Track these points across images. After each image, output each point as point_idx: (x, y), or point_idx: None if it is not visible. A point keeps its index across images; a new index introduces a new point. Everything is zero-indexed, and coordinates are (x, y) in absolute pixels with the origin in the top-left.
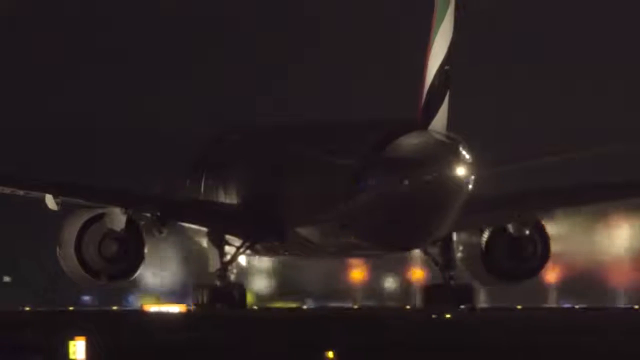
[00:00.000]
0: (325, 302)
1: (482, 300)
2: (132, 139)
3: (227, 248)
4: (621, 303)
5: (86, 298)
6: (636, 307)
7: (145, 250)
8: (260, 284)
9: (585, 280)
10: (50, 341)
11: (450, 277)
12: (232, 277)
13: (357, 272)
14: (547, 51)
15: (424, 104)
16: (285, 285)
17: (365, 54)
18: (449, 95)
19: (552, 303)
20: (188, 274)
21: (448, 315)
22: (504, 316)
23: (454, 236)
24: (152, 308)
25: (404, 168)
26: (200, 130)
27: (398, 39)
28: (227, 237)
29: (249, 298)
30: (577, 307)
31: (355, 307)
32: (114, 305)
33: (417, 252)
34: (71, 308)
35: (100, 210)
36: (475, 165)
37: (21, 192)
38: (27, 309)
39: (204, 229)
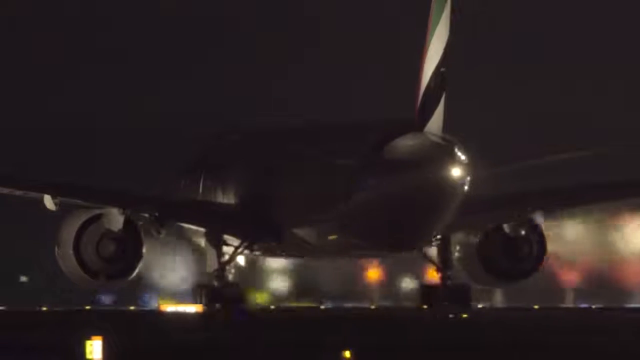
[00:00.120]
0: (342, 302)
1: (499, 301)
2: (132, 139)
3: (225, 248)
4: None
5: (103, 298)
6: None
7: (144, 250)
8: (277, 285)
9: (602, 281)
10: (67, 341)
11: (448, 277)
12: (231, 277)
13: (374, 273)
14: (547, 51)
15: (420, 106)
16: (301, 286)
17: (365, 54)
18: (445, 97)
19: (569, 303)
20: (203, 274)
21: (465, 315)
22: (520, 316)
23: (451, 236)
24: (169, 308)
25: (400, 169)
26: (200, 130)
27: (398, 39)
28: (225, 237)
29: (264, 298)
30: (593, 307)
31: (372, 307)
32: (131, 305)
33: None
34: (88, 308)
35: (98, 211)
36: (471, 167)
37: (19, 193)
38: (44, 308)
39: (203, 230)
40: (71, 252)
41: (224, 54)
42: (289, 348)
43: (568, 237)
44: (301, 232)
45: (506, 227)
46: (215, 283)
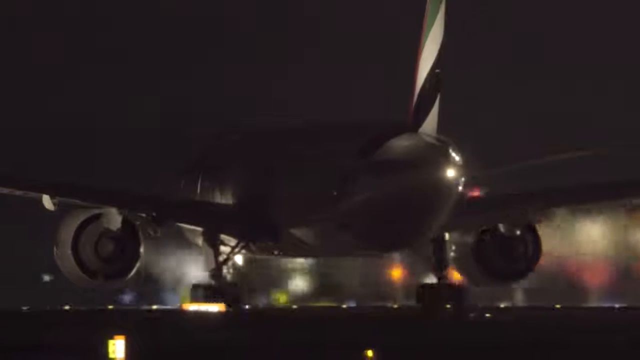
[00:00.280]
0: (364, 302)
1: (521, 300)
2: (132, 139)
3: (222, 248)
4: None
5: (125, 297)
6: None
7: (141, 250)
8: (298, 284)
9: (623, 280)
10: (90, 340)
11: (443, 277)
12: (229, 276)
13: (396, 272)
14: (547, 51)
15: (414, 107)
16: (323, 285)
17: (365, 54)
18: (440, 98)
19: (593, 303)
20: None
21: (488, 315)
22: (542, 315)
23: (447, 236)
24: (191, 307)
25: (395, 170)
26: (200, 130)
27: (398, 39)
28: (223, 237)
29: (284, 298)
30: (616, 306)
31: (395, 306)
32: (154, 305)
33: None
34: (110, 307)
35: (96, 211)
36: (465, 167)
37: (19, 193)
38: (67, 307)
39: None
40: (69, 252)
41: (224, 54)
42: (311, 348)
43: (592, 236)
44: (298, 232)
45: (501, 227)
46: (213, 282)
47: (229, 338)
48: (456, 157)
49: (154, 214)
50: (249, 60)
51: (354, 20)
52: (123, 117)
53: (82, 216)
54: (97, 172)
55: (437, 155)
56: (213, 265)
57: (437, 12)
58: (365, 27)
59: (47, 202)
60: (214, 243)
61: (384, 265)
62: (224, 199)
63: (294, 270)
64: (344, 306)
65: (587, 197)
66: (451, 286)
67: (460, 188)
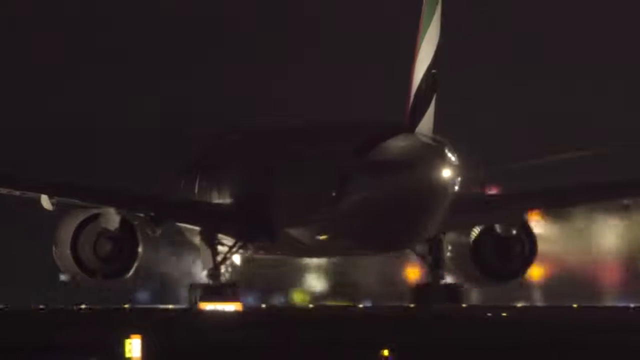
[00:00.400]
0: (380, 301)
1: (539, 299)
2: (132, 139)
3: (219, 248)
4: None
5: (141, 296)
6: None
7: (140, 250)
8: (315, 284)
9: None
10: (106, 340)
11: (439, 276)
12: (227, 276)
13: (413, 271)
14: (547, 51)
15: (411, 108)
16: (339, 285)
17: (365, 54)
18: (436, 99)
19: (608, 302)
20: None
21: (504, 314)
22: (559, 314)
23: (443, 236)
24: (208, 306)
25: (391, 170)
26: (200, 130)
27: (398, 39)
28: (220, 236)
29: (302, 297)
30: (632, 306)
31: (411, 305)
32: (170, 304)
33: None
34: (126, 306)
35: (95, 211)
36: (461, 167)
37: (17, 193)
38: (83, 307)
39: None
40: (68, 251)
41: (224, 54)
42: (327, 347)
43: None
44: (294, 232)
45: (497, 227)
46: (210, 282)
47: (245, 337)
48: (452, 157)
49: (152, 214)
50: (249, 60)
51: (354, 20)
52: (123, 117)
53: (80, 216)
54: (96, 172)
55: (432, 156)
56: (211, 265)
57: (433, 14)
58: (365, 27)
59: (45, 202)
60: (211, 243)
61: (400, 264)
62: (222, 198)
63: (311, 269)
64: (360, 305)
65: (587, 197)
66: (447, 286)
67: (456, 188)
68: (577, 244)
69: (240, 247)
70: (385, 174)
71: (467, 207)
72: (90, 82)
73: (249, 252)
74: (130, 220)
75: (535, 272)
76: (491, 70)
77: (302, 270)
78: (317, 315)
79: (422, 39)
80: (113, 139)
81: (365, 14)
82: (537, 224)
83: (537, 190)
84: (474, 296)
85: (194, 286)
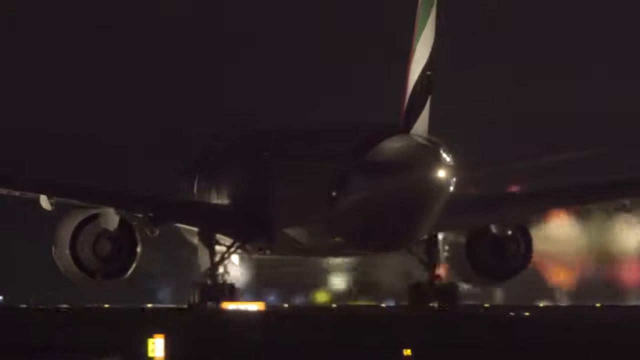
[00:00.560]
0: (403, 300)
1: (561, 299)
2: (132, 139)
3: (217, 247)
4: None
5: (162, 295)
6: None
7: (138, 250)
8: (337, 283)
9: None
10: (129, 339)
11: (435, 276)
12: (226, 275)
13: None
14: (547, 51)
15: (406, 109)
16: (362, 284)
17: (365, 54)
18: (431, 100)
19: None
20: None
21: (527, 313)
22: (580, 314)
23: (440, 236)
24: (231, 306)
25: (387, 171)
26: (200, 130)
27: (398, 39)
28: (218, 236)
29: (325, 297)
30: None
31: (434, 305)
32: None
33: None
34: (150, 306)
35: (94, 211)
36: (456, 168)
37: (17, 193)
38: (106, 306)
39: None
40: (68, 251)
41: (224, 54)
42: (349, 347)
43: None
44: (292, 232)
45: (493, 227)
46: (208, 281)
47: (267, 337)
48: (447, 157)
49: (151, 214)
50: (249, 60)
51: (354, 20)
52: (123, 117)
53: (80, 216)
54: (96, 172)
55: (428, 156)
56: (209, 265)
57: (428, 16)
58: (365, 27)
59: (44, 202)
60: (209, 243)
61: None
62: (220, 199)
63: (333, 269)
64: (383, 305)
65: (587, 197)
66: (443, 285)
67: (451, 188)
68: (598, 244)
69: (238, 247)
70: (380, 175)
71: (463, 207)
72: (91, 82)
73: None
74: (129, 221)
75: (559, 273)
76: (491, 70)
77: (324, 270)
78: (340, 314)
79: (417, 40)
80: (113, 139)
81: (365, 14)
82: (558, 224)
83: (537, 190)
84: (497, 296)
85: (193, 285)
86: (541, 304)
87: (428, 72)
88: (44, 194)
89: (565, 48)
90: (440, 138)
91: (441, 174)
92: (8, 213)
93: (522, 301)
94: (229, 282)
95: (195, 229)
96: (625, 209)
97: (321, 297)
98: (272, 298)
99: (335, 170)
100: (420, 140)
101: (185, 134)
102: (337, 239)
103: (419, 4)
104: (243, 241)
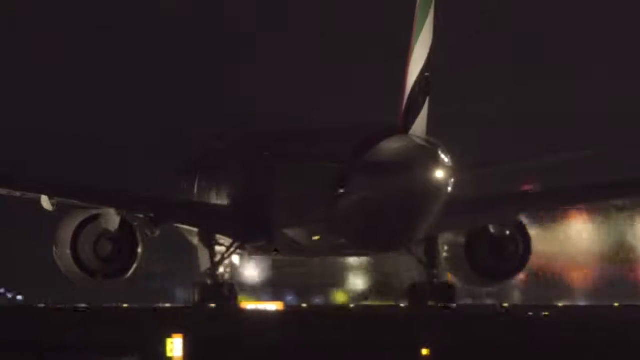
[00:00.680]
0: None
1: (581, 299)
2: (132, 139)
3: (217, 248)
4: None
5: (179, 295)
6: None
7: (139, 250)
8: (356, 283)
9: None
10: (148, 339)
11: (434, 276)
12: (227, 275)
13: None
14: (547, 51)
15: (404, 109)
16: (380, 284)
17: (365, 54)
18: (429, 101)
19: None
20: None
21: (545, 313)
22: (600, 314)
23: (438, 236)
24: (249, 306)
25: (386, 171)
26: (200, 130)
27: (398, 39)
28: (218, 237)
29: (343, 297)
30: None
31: (452, 305)
32: (212, 303)
33: None
34: (168, 305)
35: (95, 211)
36: (455, 169)
37: (18, 194)
38: (125, 306)
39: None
40: (69, 251)
41: (224, 54)
42: (367, 346)
43: None
44: (291, 232)
45: (492, 228)
46: (208, 281)
47: (285, 336)
48: (445, 158)
49: (152, 214)
50: (249, 60)
51: (354, 20)
52: (123, 117)
53: (80, 216)
54: (96, 173)
55: (426, 157)
56: (209, 265)
57: (426, 17)
58: (365, 27)
59: (45, 202)
60: (209, 243)
61: None
62: (220, 199)
63: (352, 269)
64: (402, 305)
65: (587, 197)
66: (442, 285)
67: (449, 189)
68: (615, 243)
69: (237, 248)
70: (379, 175)
71: (461, 207)
72: (91, 82)
73: (246, 252)
74: (130, 221)
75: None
76: (491, 70)
77: (342, 269)
78: (357, 314)
79: (416, 41)
80: (113, 139)
81: (365, 14)
82: (580, 223)
83: (537, 190)
84: (516, 296)
85: (193, 285)
86: (560, 304)
87: (426, 74)
88: (44, 194)
89: (565, 48)
90: (440, 139)
91: (439, 174)
92: (9, 213)
93: (540, 301)
94: (228, 281)
95: (196, 229)
96: (616, 209)
97: (340, 297)
98: (290, 298)
99: (334, 170)
100: (418, 141)
101: (185, 134)
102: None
103: (416, 5)
104: (243, 241)
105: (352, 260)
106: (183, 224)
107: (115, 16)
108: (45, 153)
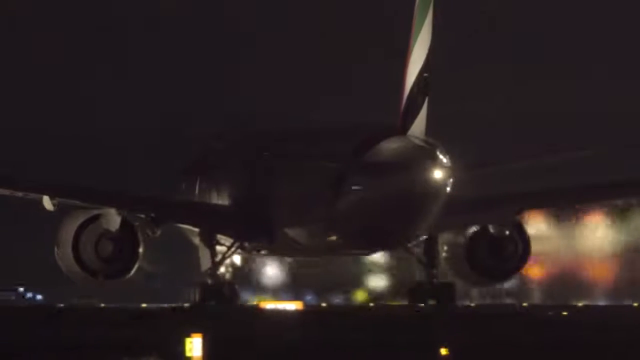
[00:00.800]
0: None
1: (600, 299)
2: (132, 139)
3: (218, 247)
4: None
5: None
6: None
7: (140, 250)
8: (375, 283)
9: None
10: (167, 338)
11: (433, 276)
12: (228, 275)
13: None
14: (547, 51)
15: (403, 110)
16: (399, 284)
17: (365, 54)
18: (428, 101)
19: None
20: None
21: (565, 313)
22: (619, 314)
23: (438, 236)
24: (268, 305)
25: (385, 172)
26: (200, 130)
27: (398, 39)
28: (219, 237)
29: (363, 296)
30: None
31: (471, 305)
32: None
33: None
34: (187, 305)
35: (96, 212)
36: (453, 169)
37: (19, 194)
38: (144, 306)
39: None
40: (70, 252)
41: (224, 54)
42: (386, 346)
43: None
44: (291, 232)
45: (491, 228)
46: (209, 281)
47: (304, 336)
48: (444, 159)
49: (153, 214)
50: (249, 60)
51: (354, 20)
52: (123, 117)
53: (82, 217)
54: (96, 173)
55: (424, 157)
56: (209, 265)
57: (424, 17)
58: (365, 27)
59: (47, 202)
60: (210, 243)
61: None
62: (220, 199)
63: (371, 269)
64: (422, 305)
65: (587, 197)
66: (441, 285)
67: (448, 189)
68: (635, 242)
69: (238, 247)
70: (377, 175)
71: (461, 207)
72: (91, 82)
73: (247, 252)
74: (131, 221)
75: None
76: (491, 70)
77: (362, 269)
78: (377, 313)
79: (415, 42)
80: (113, 139)
81: (365, 14)
82: (599, 222)
83: (537, 190)
84: (535, 295)
85: (194, 285)
86: (579, 304)
87: (425, 74)
88: (45, 194)
89: (565, 48)
90: (439, 139)
91: (438, 175)
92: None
93: (559, 301)
94: (229, 281)
95: (197, 229)
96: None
97: (360, 296)
98: (309, 297)
99: (333, 170)
100: (417, 141)
101: (185, 134)
102: (332, 238)
103: (415, 5)
104: (243, 241)
105: (372, 260)
106: (184, 224)
107: (115, 16)
108: (46, 153)
